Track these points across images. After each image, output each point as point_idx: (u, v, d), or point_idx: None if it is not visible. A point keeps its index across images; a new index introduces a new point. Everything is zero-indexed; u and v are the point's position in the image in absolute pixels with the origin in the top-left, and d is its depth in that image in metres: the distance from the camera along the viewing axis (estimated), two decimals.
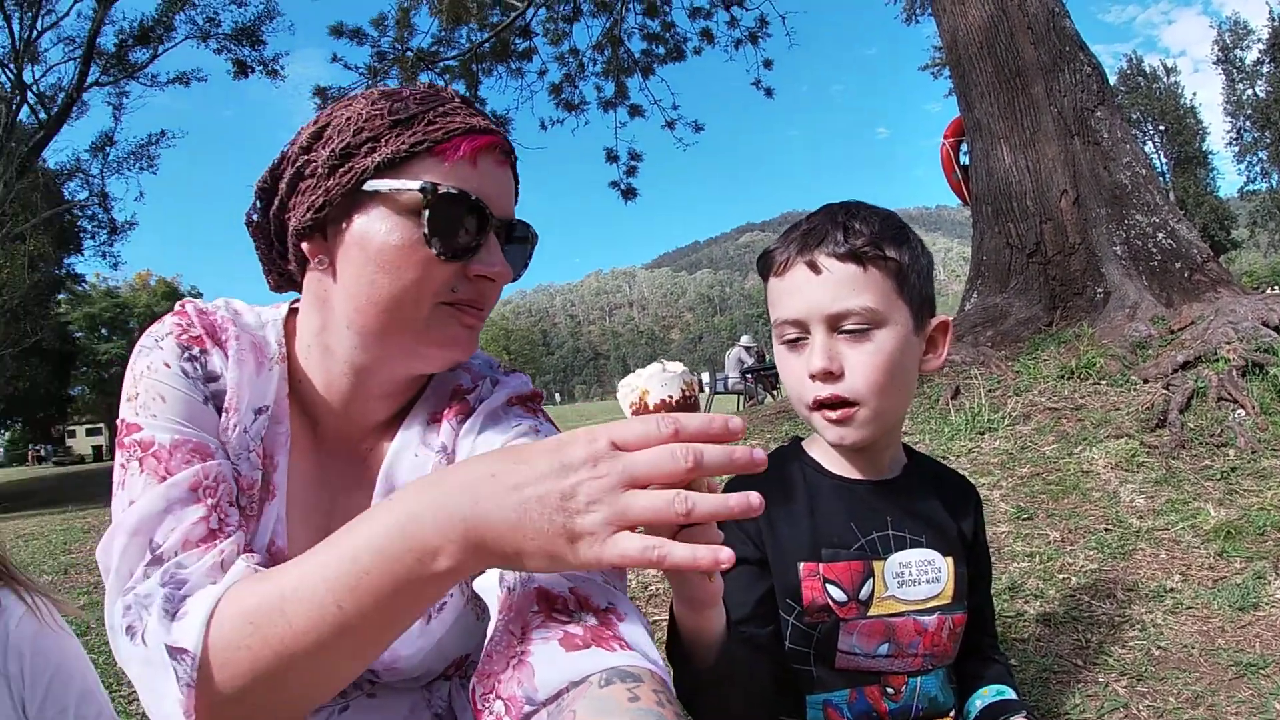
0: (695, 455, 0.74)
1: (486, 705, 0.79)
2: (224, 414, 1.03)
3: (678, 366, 0.93)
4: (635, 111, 15.56)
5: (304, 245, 1.05)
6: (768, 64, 15.08)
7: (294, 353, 1.13)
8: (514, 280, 1.09)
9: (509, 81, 15.09)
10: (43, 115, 19.37)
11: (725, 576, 1.27)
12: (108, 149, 23.08)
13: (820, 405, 1.24)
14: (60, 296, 36.76)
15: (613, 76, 15.43)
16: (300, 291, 1.13)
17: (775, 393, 16.54)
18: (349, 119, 1.03)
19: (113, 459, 1.01)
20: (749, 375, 16.82)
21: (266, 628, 0.79)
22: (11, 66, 18.79)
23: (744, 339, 18.62)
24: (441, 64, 14.13)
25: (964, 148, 8.35)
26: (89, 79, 19.30)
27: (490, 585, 0.91)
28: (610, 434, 0.77)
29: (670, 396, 0.91)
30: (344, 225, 1.03)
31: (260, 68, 17.72)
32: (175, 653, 0.80)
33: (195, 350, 1.04)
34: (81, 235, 28.24)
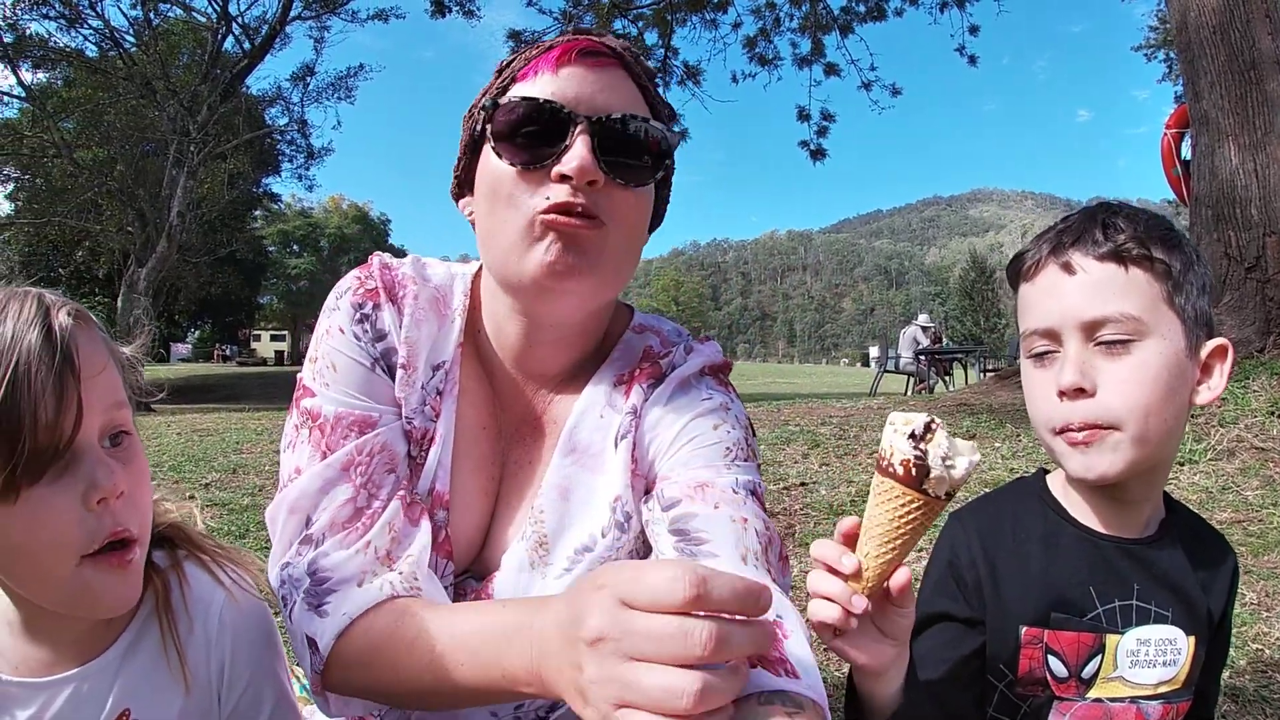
0: (715, 639, 0.63)
1: None
2: (401, 371, 1.08)
3: (966, 450, 0.81)
4: (831, 70, 15.16)
5: (459, 203, 1.13)
6: (973, 30, 14.23)
7: (478, 305, 1.16)
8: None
9: (702, 32, 15.03)
10: (246, 45, 20.64)
11: (924, 631, 1.13)
12: (308, 79, 24.21)
13: (1067, 429, 1.07)
14: (256, 213, 40.04)
15: (809, 33, 15.03)
16: None
17: (948, 379, 15.86)
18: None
19: (293, 364, 1.00)
20: (922, 357, 16.06)
21: (378, 667, 0.92)
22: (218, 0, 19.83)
23: (921, 318, 17.78)
24: (635, 11, 14.12)
25: (1186, 140, 7.55)
26: (291, 12, 20.30)
27: None
28: (621, 592, 0.67)
29: (906, 461, 0.80)
30: (474, 178, 1.08)
31: (457, 7, 18.07)
32: (310, 643, 0.95)
33: (368, 307, 1.09)
34: (280, 158, 30.21)
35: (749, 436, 1.09)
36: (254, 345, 73.93)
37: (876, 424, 5.33)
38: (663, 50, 14.96)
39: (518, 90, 1.01)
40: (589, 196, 0.98)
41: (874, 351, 18.05)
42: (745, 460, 1.04)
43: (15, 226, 24.93)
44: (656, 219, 1.13)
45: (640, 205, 1.04)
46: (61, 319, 0.83)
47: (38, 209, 24.04)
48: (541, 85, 0.99)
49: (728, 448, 1.04)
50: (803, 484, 4.10)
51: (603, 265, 1.00)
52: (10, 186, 25.19)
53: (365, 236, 66.11)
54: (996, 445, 4.60)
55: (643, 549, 1.04)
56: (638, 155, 1.01)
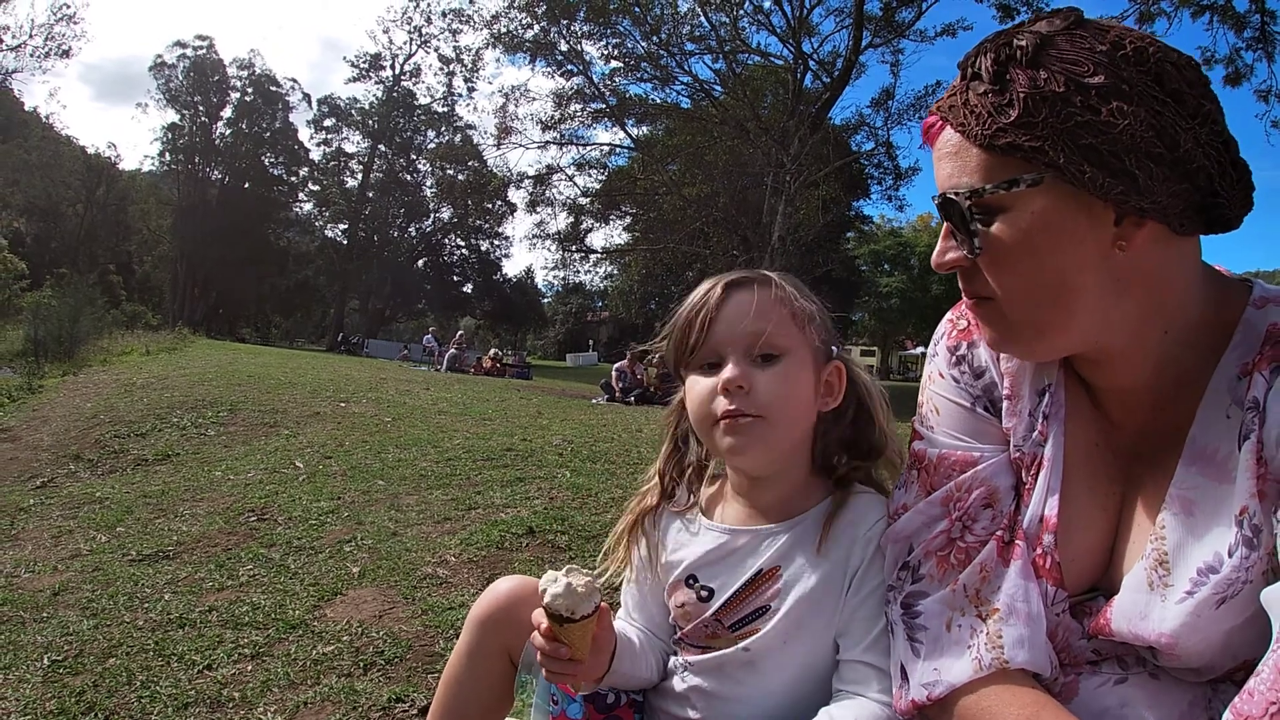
0: None
1: None
2: (1006, 403, 1.11)
3: None
4: None
5: None
6: None
7: None
8: (974, 253, 0.98)
9: None
10: (825, 79, 22.61)
11: None
12: (889, 103, 25.49)
13: None
14: (849, 234, 42.60)
15: None
16: None
17: None
18: None
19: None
20: None
21: None
22: (791, 41, 22.28)
23: None
24: None
25: None
26: (862, 43, 21.57)
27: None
28: None
29: None
30: None
31: (1025, 8, 17.29)
32: (902, 671, 1.08)
33: (963, 348, 1.16)
34: (869, 181, 32.16)
35: None
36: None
37: None
38: (1259, 15, 12.60)
39: None
40: (968, 281, 1.02)
41: None
42: None
43: (635, 253, 31.61)
44: (1222, 221, 0.95)
45: (1003, 261, 0.97)
46: (721, 286, 1.23)
47: (653, 238, 29.48)
48: None
49: None
50: None
51: (1013, 332, 1.02)
52: (628, 220, 32.46)
53: None
54: None
55: (1276, 568, 0.89)
56: (968, 221, 0.97)
